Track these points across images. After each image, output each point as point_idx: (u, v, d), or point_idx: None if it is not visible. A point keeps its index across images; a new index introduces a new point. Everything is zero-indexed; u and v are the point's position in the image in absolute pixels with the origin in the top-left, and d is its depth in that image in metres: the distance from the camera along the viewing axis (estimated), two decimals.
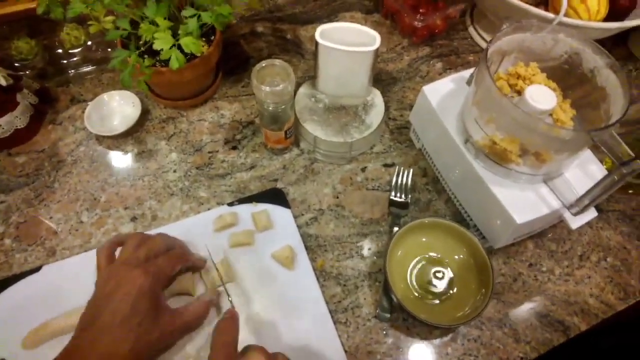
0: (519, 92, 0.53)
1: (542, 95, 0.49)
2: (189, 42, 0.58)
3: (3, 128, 0.67)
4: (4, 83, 0.64)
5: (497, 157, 0.52)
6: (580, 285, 0.59)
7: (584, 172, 0.53)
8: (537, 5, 0.70)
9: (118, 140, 0.71)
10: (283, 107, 0.60)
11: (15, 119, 0.68)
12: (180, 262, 0.51)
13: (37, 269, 0.58)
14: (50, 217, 0.64)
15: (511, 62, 0.56)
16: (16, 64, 0.75)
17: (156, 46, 0.56)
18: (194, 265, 0.55)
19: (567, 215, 0.50)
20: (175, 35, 0.59)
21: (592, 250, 0.62)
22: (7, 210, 0.64)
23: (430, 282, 0.53)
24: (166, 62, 0.59)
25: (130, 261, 0.48)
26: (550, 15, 0.65)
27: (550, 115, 0.50)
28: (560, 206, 0.50)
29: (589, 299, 0.58)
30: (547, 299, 0.57)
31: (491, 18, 0.79)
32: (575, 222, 0.50)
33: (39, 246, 0.61)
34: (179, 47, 0.58)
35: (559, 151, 0.48)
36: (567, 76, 0.54)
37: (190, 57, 0.63)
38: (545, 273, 0.59)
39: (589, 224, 0.62)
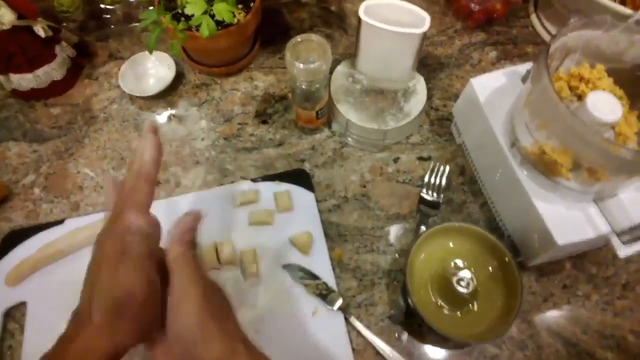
0: (580, 97, 0.48)
1: (605, 104, 0.43)
2: (222, 10, 0.55)
3: (41, 78, 0.68)
4: (43, 34, 0.64)
5: (545, 168, 0.47)
6: (619, 317, 0.54)
7: None
8: None
9: (150, 102, 0.70)
10: (317, 86, 0.56)
11: (53, 71, 0.68)
12: (143, 171, 0.38)
13: (61, 222, 0.59)
14: (78, 172, 0.64)
15: (575, 61, 0.50)
16: (58, 16, 0.75)
17: (188, 11, 0.54)
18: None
19: (616, 241, 0.45)
20: (211, 0, 0.56)
21: (639, 281, 0.56)
22: (38, 160, 0.65)
23: (452, 292, 0.49)
24: (199, 28, 0.57)
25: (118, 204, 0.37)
26: (628, 11, 0.58)
27: (612, 128, 0.45)
28: (609, 231, 0.45)
29: (628, 335, 0.53)
30: (578, 327, 0.53)
31: (558, 8, 0.71)
32: (625, 251, 0.45)
33: (64, 199, 0.62)
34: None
35: (617, 171, 0.43)
36: (639, 84, 0.47)
37: (226, 23, 0.60)
38: (581, 297, 0.55)
39: None
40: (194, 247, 0.38)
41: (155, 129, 0.39)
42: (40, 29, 0.64)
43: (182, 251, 0.37)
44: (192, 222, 0.39)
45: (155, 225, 0.37)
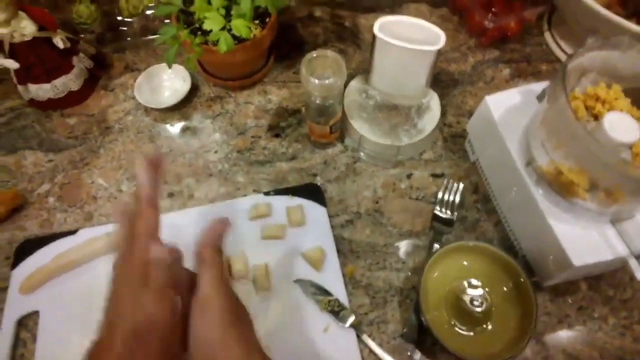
0: (596, 117, 0.48)
1: (623, 125, 0.43)
2: (239, 25, 0.55)
3: (58, 89, 0.69)
4: (61, 46, 0.65)
5: (561, 188, 0.46)
6: (639, 343, 0.53)
7: None
8: (629, 17, 0.62)
9: (165, 114, 0.71)
10: (331, 101, 0.57)
11: (70, 81, 0.69)
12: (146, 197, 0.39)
13: (74, 232, 0.60)
14: (92, 182, 0.65)
15: (591, 80, 0.50)
16: (76, 28, 0.76)
17: (206, 26, 0.55)
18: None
19: (634, 263, 0.44)
20: (228, 15, 0.57)
21: None
22: (54, 169, 0.66)
23: (466, 311, 0.49)
24: (217, 43, 0.58)
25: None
26: None
27: (630, 148, 0.44)
28: (627, 253, 0.45)
29: None
30: (595, 350, 0.52)
31: (573, 26, 0.71)
32: None
33: (78, 209, 0.63)
34: (230, 29, 0.56)
35: (635, 192, 0.43)
36: None
37: (242, 38, 0.61)
38: (597, 320, 0.54)
39: None
40: (221, 254, 0.39)
41: (152, 161, 0.40)
42: (59, 41, 0.65)
43: (212, 256, 0.37)
44: (222, 228, 0.40)
45: (176, 252, 0.38)
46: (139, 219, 0.37)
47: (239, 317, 0.36)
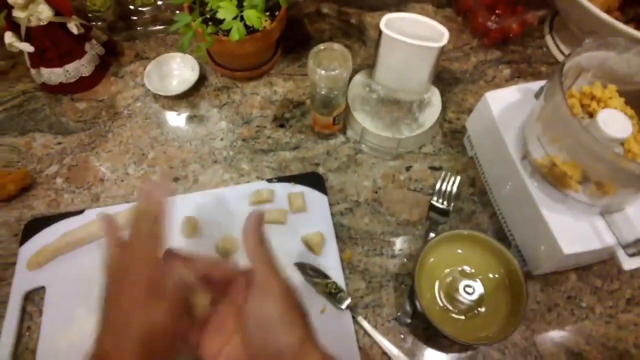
0: (591, 115, 0.49)
1: (616, 121, 0.45)
2: (251, 15, 0.57)
3: (70, 74, 0.70)
4: (76, 31, 0.67)
5: (554, 180, 0.48)
6: (623, 331, 0.54)
7: None
8: (627, 22, 0.64)
9: (173, 101, 0.72)
10: (336, 92, 0.59)
11: (82, 67, 0.71)
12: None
13: (81, 212, 0.61)
14: (100, 165, 0.67)
15: (587, 80, 0.52)
16: (89, 15, 0.78)
17: (220, 15, 0.56)
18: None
19: (621, 254, 0.46)
20: (240, 6, 0.59)
21: None
22: (62, 152, 0.68)
23: (458, 296, 0.51)
24: (228, 32, 0.59)
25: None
26: None
27: (622, 144, 0.46)
28: (615, 243, 0.47)
29: (632, 349, 0.53)
30: (582, 337, 0.54)
31: (573, 30, 0.73)
32: (630, 264, 0.46)
33: (85, 190, 0.64)
34: (242, 19, 0.58)
35: (625, 185, 0.45)
36: None
37: (252, 29, 0.63)
38: (585, 309, 0.56)
39: None
40: (268, 247, 0.39)
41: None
42: (73, 26, 0.67)
43: (262, 252, 0.37)
44: (259, 218, 0.40)
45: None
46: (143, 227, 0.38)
47: (296, 303, 0.36)
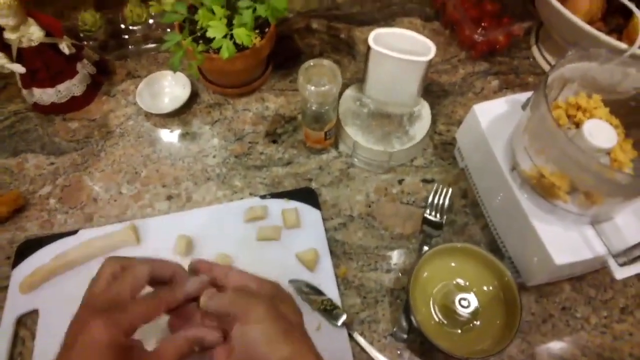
0: (577, 125, 0.50)
1: (601, 132, 0.46)
2: (241, 33, 0.58)
3: (61, 93, 0.71)
4: (67, 52, 0.68)
5: (543, 190, 0.49)
6: (619, 341, 0.55)
7: (639, 219, 0.49)
8: (609, 33, 0.65)
9: (165, 119, 0.73)
10: (326, 107, 0.59)
11: (73, 87, 0.71)
12: (164, 306, 0.39)
13: (74, 232, 0.61)
14: (93, 184, 0.66)
15: (573, 91, 0.53)
16: (80, 34, 0.79)
17: (209, 34, 0.57)
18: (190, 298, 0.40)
19: (612, 263, 0.47)
20: (230, 24, 0.59)
21: (637, 305, 0.57)
22: (55, 172, 0.68)
23: (453, 310, 0.51)
24: (218, 50, 0.60)
25: (95, 303, 0.37)
26: (623, 45, 0.60)
27: (608, 154, 0.47)
28: (605, 253, 0.47)
29: (627, 359, 0.54)
30: (577, 348, 0.54)
31: (558, 41, 0.75)
32: (621, 273, 0.46)
33: (78, 210, 0.64)
34: (232, 37, 0.59)
35: (612, 194, 0.45)
36: (633, 114, 0.50)
37: (242, 47, 0.63)
38: (579, 320, 0.56)
39: (638, 276, 0.57)
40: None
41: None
42: (65, 47, 0.67)
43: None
44: (208, 266, 0.42)
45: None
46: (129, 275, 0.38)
47: (281, 314, 0.37)
